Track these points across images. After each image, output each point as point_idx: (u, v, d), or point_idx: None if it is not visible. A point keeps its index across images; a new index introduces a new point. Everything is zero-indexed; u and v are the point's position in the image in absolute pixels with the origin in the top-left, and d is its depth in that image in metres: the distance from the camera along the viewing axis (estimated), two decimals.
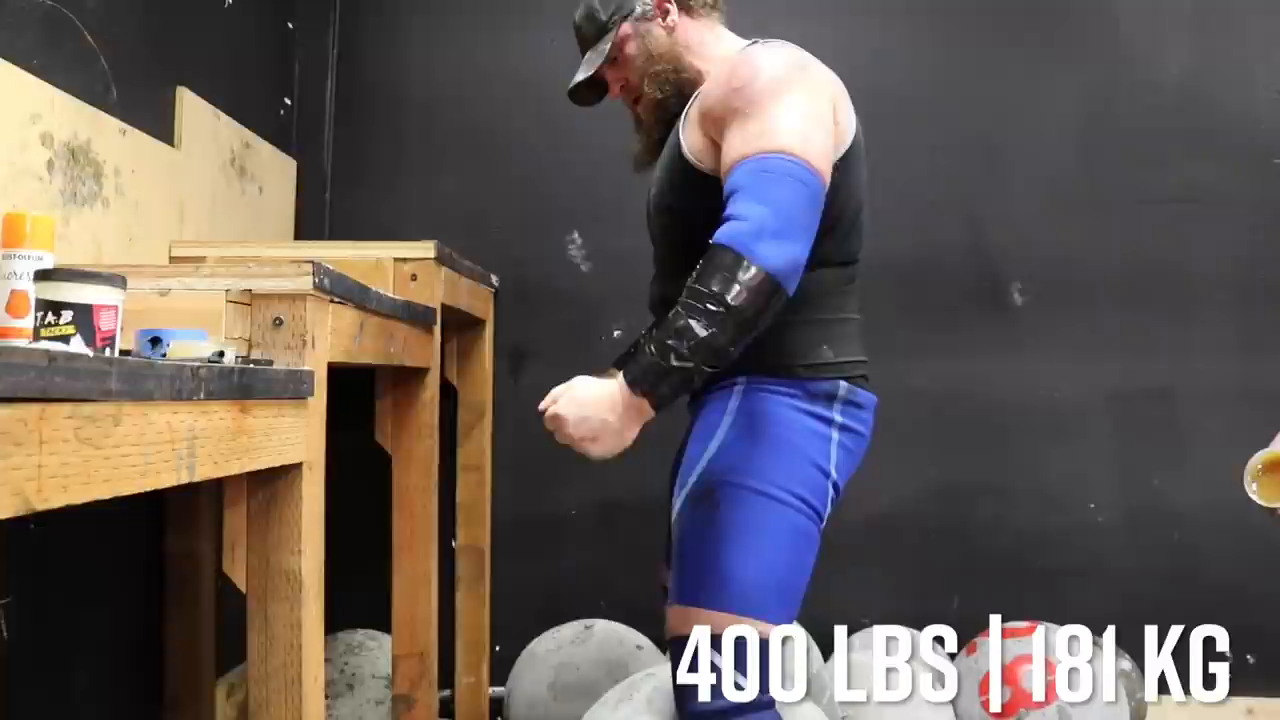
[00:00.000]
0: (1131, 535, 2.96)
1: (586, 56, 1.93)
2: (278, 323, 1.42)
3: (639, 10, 1.86)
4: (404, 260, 2.17)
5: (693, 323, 1.48)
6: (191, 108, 2.42)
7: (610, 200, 3.04)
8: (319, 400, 1.48)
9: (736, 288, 1.47)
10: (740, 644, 1.62)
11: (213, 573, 2.30)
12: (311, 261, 1.44)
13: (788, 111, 1.60)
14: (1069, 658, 2.45)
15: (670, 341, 1.49)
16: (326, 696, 2.27)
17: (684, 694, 1.64)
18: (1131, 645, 2.81)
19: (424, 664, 2.19)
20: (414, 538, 2.19)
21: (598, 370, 1.74)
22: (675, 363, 1.48)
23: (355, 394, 2.15)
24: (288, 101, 3.06)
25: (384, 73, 3.12)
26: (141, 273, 1.38)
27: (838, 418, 1.74)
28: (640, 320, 2.99)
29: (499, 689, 2.84)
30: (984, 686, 2.45)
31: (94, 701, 2.03)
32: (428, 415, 2.19)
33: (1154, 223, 2.98)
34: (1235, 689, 2.92)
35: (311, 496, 1.46)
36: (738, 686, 1.61)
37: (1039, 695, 2.39)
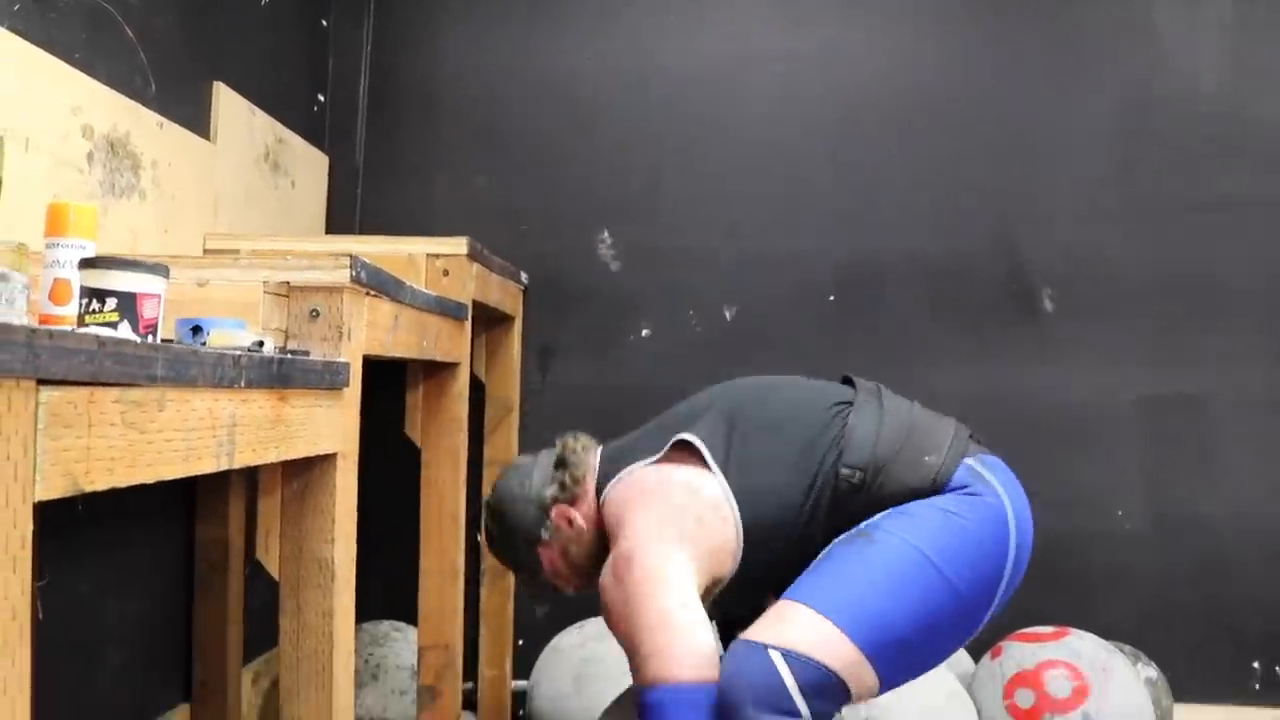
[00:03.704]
0: (1159, 543, 2.95)
1: (533, 590, 1.99)
2: (314, 314, 1.44)
3: (547, 535, 1.88)
4: (436, 256, 2.19)
5: None
6: (227, 102, 2.45)
7: (641, 199, 3.05)
8: (354, 391, 1.50)
9: None
10: (828, 674, 1.58)
11: (241, 561, 2.32)
12: (349, 254, 1.45)
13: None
14: (1094, 664, 2.45)
15: None
16: None
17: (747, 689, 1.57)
18: (1158, 653, 2.81)
19: (449, 655, 2.21)
20: (441, 530, 2.20)
21: None
22: None
23: (385, 387, 2.17)
24: (321, 98, 3.08)
25: (416, 70, 3.14)
26: (179, 263, 1.39)
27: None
28: (666, 321, 3.02)
29: (522, 682, 2.86)
30: (1008, 690, 2.44)
31: (123, 685, 2.05)
32: (457, 409, 2.21)
33: (1187, 231, 2.97)
34: (1264, 699, 2.92)
35: (345, 486, 1.48)
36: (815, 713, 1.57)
37: (1064, 700, 2.39)
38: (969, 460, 1.76)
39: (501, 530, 1.92)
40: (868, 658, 1.60)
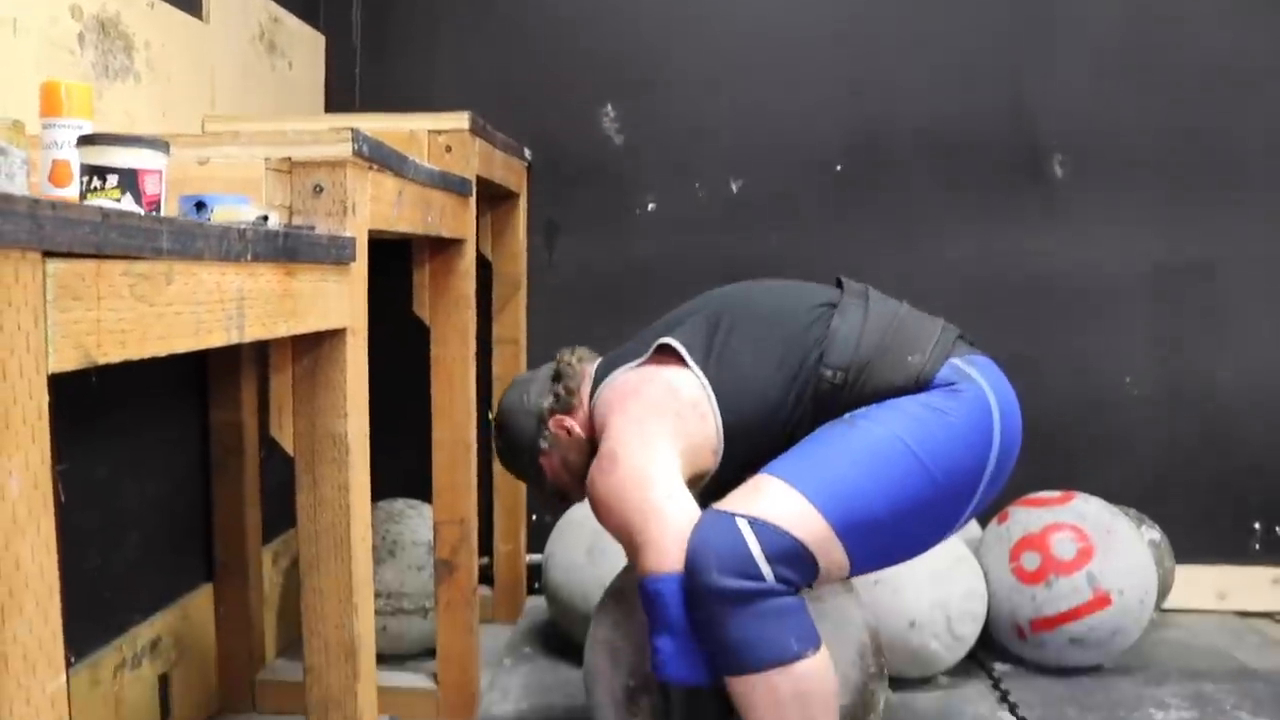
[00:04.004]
0: (1166, 408, 2.97)
1: (543, 499, 2.05)
2: (318, 190, 1.43)
3: (546, 445, 1.91)
4: (438, 132, 2.16)
5: None
6: None
7: (644, 72, 3.00)
8: (360, 266, 1.49)
9: None
10: (795, 544, 1.60)
11: (256, 444, 2.35)
12: (351, 129, 1.43)
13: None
14: (1099, 526, 2.49)
15: None
16: None
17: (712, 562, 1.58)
18: (1161, 515, 2.85)
19: (464, 530, 2.24)
20: (453, 406, 2.22)
21: None
22: None
23: (391, 266, 2.16)
24: None
25: None
26: (179, 142, 1.37)
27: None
28: (672, 195, 2.99)
29: (536, 556, 2.91)
30: (1015, 553, 2.48)
31: (146, 567, 2.10)
32: (465, 286, 2.21)
33: (1203, 92, 2.91)
34: (1263, 559, 2.98)
35: (356, 361, 1.48)
36: (779, 579, 1.58)
37: (1069, 561, 2.43)
38: (955, 359, 1.77)
39: (506, 443, 1.98)
40: (838, 534, 1.62)
